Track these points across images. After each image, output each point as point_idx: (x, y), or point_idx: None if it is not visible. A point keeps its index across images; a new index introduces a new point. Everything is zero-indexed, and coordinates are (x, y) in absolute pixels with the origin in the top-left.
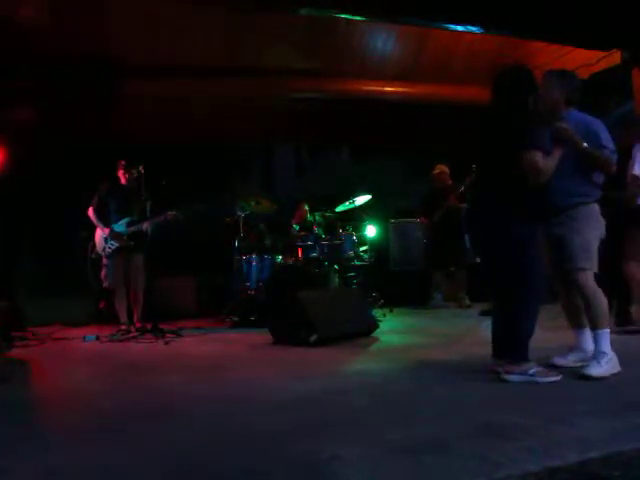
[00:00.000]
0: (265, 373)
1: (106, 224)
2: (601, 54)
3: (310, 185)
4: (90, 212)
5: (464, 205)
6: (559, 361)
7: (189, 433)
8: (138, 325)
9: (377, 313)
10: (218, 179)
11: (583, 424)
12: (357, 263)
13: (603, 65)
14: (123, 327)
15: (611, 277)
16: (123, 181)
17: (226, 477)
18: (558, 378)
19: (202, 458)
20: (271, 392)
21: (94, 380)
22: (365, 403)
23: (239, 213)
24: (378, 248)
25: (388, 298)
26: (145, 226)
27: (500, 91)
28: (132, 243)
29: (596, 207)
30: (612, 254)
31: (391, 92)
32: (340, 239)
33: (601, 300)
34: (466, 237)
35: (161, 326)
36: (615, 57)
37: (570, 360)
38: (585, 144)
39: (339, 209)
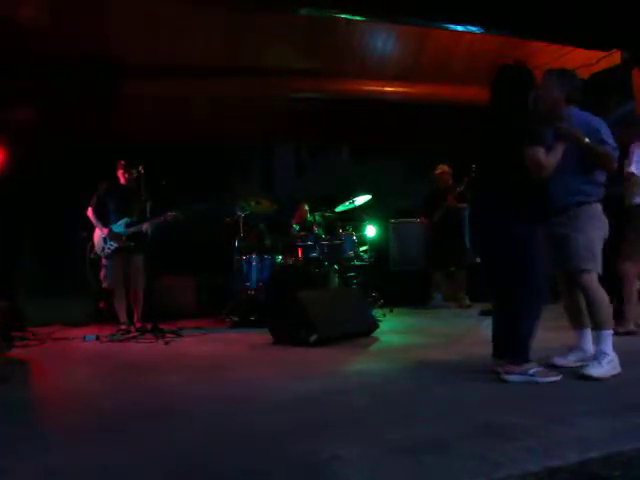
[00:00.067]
0: (265, 373)
1: (105, 224)
2: (601, 54)
3: (310, 185)
4: (89, 212)
5: (463, 205)
6: (559, 361)
7: (189, 433)
8: (138, 325)
9: (377, 313)
10: (218, 179)
11: (583, 424)
12: (357, 263)
13: (603, 65)
14: (123, 327)
15: (610, 277)
16: (122, 181)
17: (226, 477)
18: (558, 378)
19: (202, 458)
20: (271, 392)
21: (94, 380)
22: (365, 403)
23: (239, 213)
24: (378, 248)
25: (388, 298)
26: (145, 227)
27: (499, 91)
28: (132, 244)
29: (599, 206)
30: (611, 254)
31: (391, 92)
32: (340, 239)
33: (605, 301)
34: (466, 237)
35: (161, 326)
36: (615, 57)
37: (570, 360)
38: (587, 139)
39: (339, 209)
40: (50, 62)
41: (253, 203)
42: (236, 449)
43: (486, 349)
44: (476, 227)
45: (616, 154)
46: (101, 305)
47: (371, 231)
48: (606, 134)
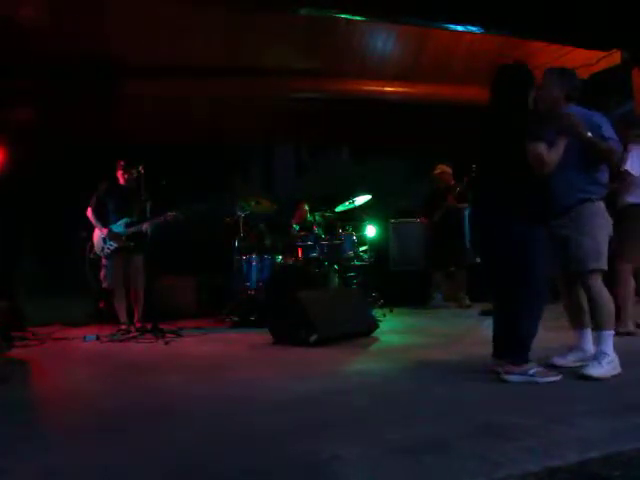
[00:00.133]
0: (265, 373)
1: (105, 224)
2: (601, 54)
3: (310, 185)
4: (89, 212)
5: (464, 205)
6: (559, 361)
7: (189, 433)
8: (138, 325)
9: (377, 313)
10: (218, 179)
11: (583, 424)
12: (357, 263)
13: (603, 65)
14: (123, 327)
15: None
16: (122, 181)
17: (226, 477)
18: (558, 378)
19: (202, 458)
20: (271, 392)
21: (94, 380)
22: (365, 403)
23: (239, 213)
24: (378, 248)
25: (388, 298)
26: (145, 227)
27: (499, 90)
28: (132, 244)
29: (602, 205)
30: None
31: (391, 92)
32: (340, 239)
33: (608, 301)
34: (467, 237)
35: (161, 326)
36: (615, 57)
37: (570, 360)
38: (589, 133)
39: (339, 209)
40: (50, 62)
41: (253, 203)
42: (236, 449)
43: (486, 349)
44: (476, 227)
45: (619, 148)
46: (101, 305)
47: (371, 231)
48: (608, 130)
